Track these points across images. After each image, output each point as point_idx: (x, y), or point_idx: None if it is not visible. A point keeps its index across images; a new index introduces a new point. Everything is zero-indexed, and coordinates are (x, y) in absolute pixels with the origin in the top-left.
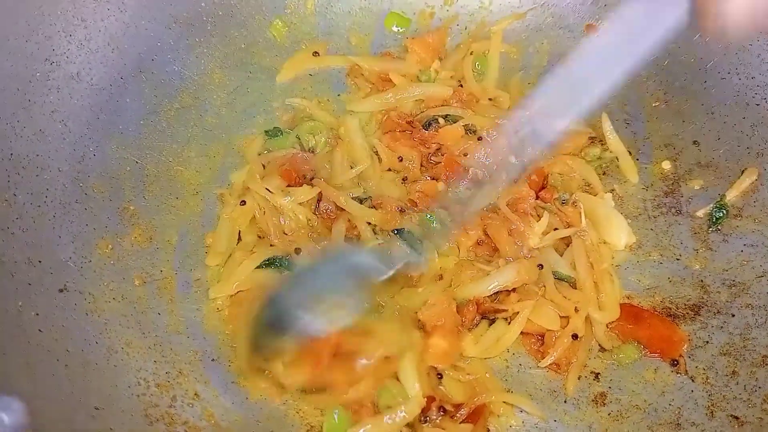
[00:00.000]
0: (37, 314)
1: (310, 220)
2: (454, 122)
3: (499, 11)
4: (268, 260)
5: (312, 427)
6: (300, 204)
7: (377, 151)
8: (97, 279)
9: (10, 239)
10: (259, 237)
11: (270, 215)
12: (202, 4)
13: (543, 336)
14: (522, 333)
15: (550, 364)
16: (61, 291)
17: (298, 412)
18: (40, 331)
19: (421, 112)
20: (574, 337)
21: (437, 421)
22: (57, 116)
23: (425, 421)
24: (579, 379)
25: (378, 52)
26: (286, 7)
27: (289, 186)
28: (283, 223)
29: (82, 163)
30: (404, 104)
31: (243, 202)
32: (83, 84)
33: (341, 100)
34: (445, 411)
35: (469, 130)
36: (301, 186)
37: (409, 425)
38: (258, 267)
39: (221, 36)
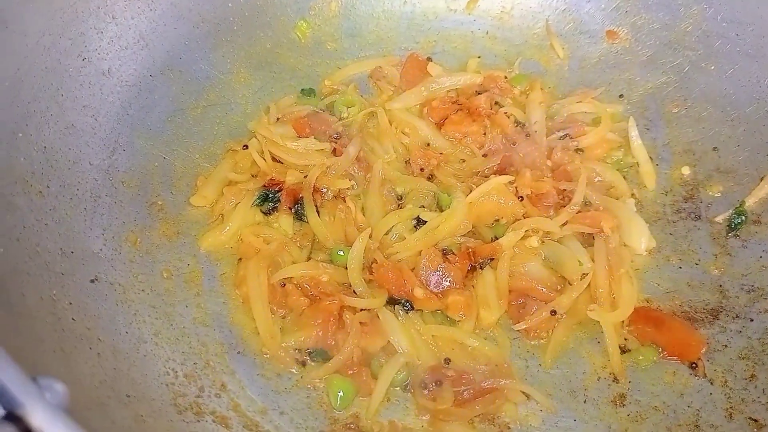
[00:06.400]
0: (71, 303)
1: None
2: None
3: (520, 15)
4: (260, 197)
5: (336, 420)
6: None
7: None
8: (126, 271)
9: (44, 230)
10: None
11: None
12: (230, 5)
13: (525, 301)
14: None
15: (522, 329)
16: (92, 281)
17: (321, 405)
18: (73, 319)
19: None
20: (553, 312)
21: (433, 390)
22: (88, 111)
23: (425, 388)
24: (598, 380)
25: (401, 54)
26: (311, 8)
27: (299, 138)
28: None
29: (112, 157)
30: (439, 95)
31: (245, 147)
32: (113, 80)
33: (364, 100)
34: (440, 384)
35: (518, 123)
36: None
37: (409, 390)
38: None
39: (247, 36)
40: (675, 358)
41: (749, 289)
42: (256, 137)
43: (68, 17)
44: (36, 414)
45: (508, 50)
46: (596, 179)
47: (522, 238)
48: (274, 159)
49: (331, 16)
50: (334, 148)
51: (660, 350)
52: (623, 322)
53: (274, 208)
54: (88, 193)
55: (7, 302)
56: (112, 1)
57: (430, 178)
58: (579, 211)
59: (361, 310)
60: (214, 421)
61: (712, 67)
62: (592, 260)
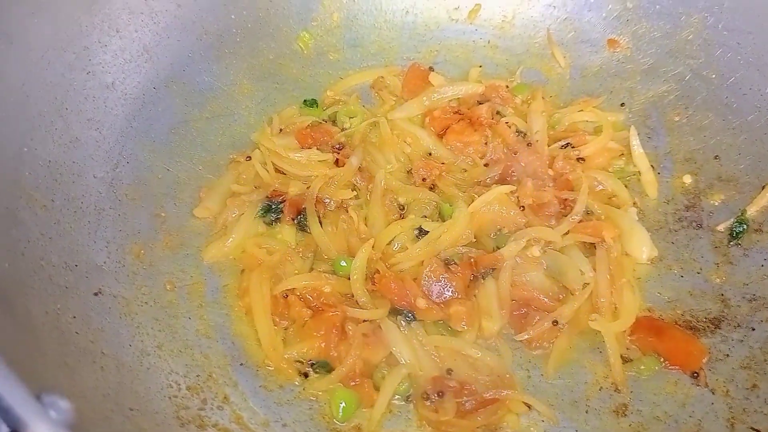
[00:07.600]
0: (74, 317)
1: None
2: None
3: (521, 24)
4: (263, 208)
5: (338, 431)
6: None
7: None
8: (129, 283)
9: (48, 243)
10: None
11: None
12: (232, 17)
13: (527, 311)
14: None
15: (524, 339)
16: (96, 294)
17: (324, 417)
18: (76, 333)
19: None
20: (555, 322)
21: (435, 401)
22: (92, 124)
23: (427, 399)
24: (600, 390)
25: (403, 64)
26: (313, 19)
27: (302, 149)
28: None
29: (115, 170)
30: (440, 105)
31: (248, 158)
32: (117, 93)
33: (366, 110)
34: (443, 395)
35: (520, 133)
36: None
37: (411, 401)
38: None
39: (250, 47)
40: (677, 367)
41: (751, 297)
42: (259, 148)
43: (72, 31)
44: None
45: (510, 60)
46: (598, 188)
47: (524, 248)
48: (277, 170)
49: (333, 27)
50: (337, 159)
51: (662, 360)
52: (625, 331)
53: (277, 219)
54: (92, 206)
55: (12, 316)
56: (116, 15)
57: (432, 188)
58: (581, 221)
59: (364, 321)
60: None
61: (713, 76)
62: (594, 270)
